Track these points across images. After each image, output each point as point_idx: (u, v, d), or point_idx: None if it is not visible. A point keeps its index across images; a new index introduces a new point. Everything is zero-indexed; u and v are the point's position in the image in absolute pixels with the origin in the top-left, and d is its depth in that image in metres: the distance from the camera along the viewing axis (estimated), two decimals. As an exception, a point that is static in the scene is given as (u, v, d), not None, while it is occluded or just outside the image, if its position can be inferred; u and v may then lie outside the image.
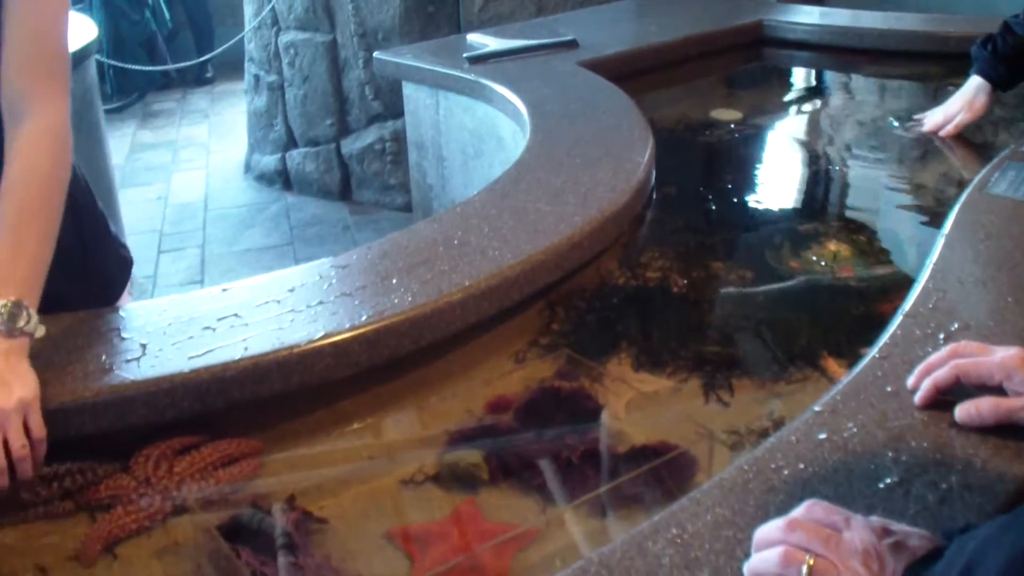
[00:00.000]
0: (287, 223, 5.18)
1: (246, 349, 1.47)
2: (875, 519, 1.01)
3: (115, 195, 4.24)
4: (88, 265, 1.83)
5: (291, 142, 5.52)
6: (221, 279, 4.46)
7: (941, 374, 1.26)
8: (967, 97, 2.56)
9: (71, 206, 1.59)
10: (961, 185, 2.30)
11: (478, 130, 2.90)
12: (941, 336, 1.43)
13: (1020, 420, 1.19)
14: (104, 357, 1.47)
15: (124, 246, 2.02)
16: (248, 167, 5.85)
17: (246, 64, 5.70)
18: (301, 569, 1.24)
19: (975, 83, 2.55)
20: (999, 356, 1.23)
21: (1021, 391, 1.20)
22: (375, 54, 3.24)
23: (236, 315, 1.56)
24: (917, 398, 1.28)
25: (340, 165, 5.35)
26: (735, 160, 2.70)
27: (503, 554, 1.28)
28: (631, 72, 3.08)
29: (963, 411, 1.23)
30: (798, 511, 1.03)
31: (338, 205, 5.33)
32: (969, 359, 1.26)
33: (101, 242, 1.90)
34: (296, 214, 5.27)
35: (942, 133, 2.60)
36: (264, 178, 5.68)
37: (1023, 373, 1.20)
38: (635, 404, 1.59)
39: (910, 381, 1.31)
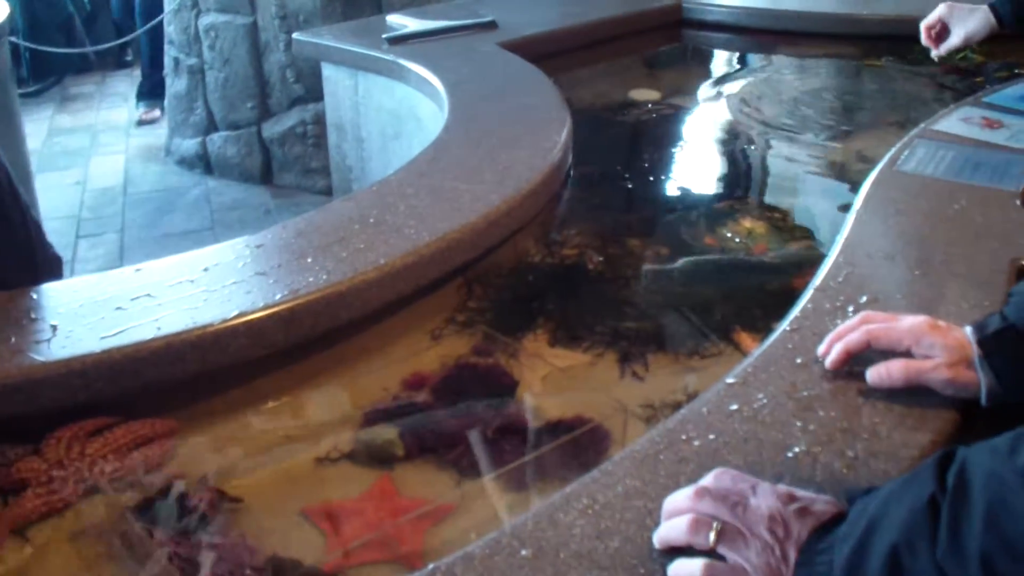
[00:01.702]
0: (208, 207, 5.13)
1: (159, 329, 1.46)
2: (781, 486, 1.03)
3: (31, 180, 4.18)
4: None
5: (212, 126, 5.46)
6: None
7: (853, 338, 1.28)
8: (968, 24, 2.59)
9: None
10: (868, 160, 2.34)
11: (397, 111, 2.89)
12: (850, 309, 1.46)
13: (928, 381, 1.22)
14: (14, 339, 1.44)
15: (51, 245, 1.97)
16: (168, 151, 5.78)
17: (166, 47, 5.63)
18: (216, 548, 1.23)
19: (982, 12, 2.57)
20: (907, 323, 1.26)
21: (929, 355, 1.22)
22: (294, 35, 3.22)
23: (149, 295, 1.55)
24: (828, 361, 1.30)
25: (261, 149, 5.30)
26: (653, 139, 2.72)
27: (418, 528, 1.29)
28: (550, 53, 3.08)
29: (874, 373, 1.26)
30: (706, 479, 1.05)
31: (259, 189, 5.29)
32: (879, 325, 1.28)
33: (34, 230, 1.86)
34: (217, 198, 5.22)
35: (933, 54, 2.68)
36: (185, 162, 5.62)
37: (930, 337, 1.23)
38: (551, 379, 1.59)
39: (821, 348, 1.33)
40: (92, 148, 6.13)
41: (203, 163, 5.54)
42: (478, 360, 1.62)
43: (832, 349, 1.31)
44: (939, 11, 2.63)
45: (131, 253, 4.59)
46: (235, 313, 1.49)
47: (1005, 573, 0.76)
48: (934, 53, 2.66)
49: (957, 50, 2.65)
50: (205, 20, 5.26)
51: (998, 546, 0.77)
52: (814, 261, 1.88)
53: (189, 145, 5.58)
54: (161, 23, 5.66)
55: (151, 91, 6.50)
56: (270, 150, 5.29)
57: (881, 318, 1.30)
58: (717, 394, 1.28)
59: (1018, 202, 1.80)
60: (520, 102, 2.44)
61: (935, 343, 1.23)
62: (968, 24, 2.56)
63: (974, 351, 1.21)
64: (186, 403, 1.51)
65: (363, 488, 1.38)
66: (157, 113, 6.40)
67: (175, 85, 5.60)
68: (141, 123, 6.47)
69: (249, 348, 1.50)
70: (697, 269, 1.91)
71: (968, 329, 1.24)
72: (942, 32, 2.63)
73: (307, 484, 1.40)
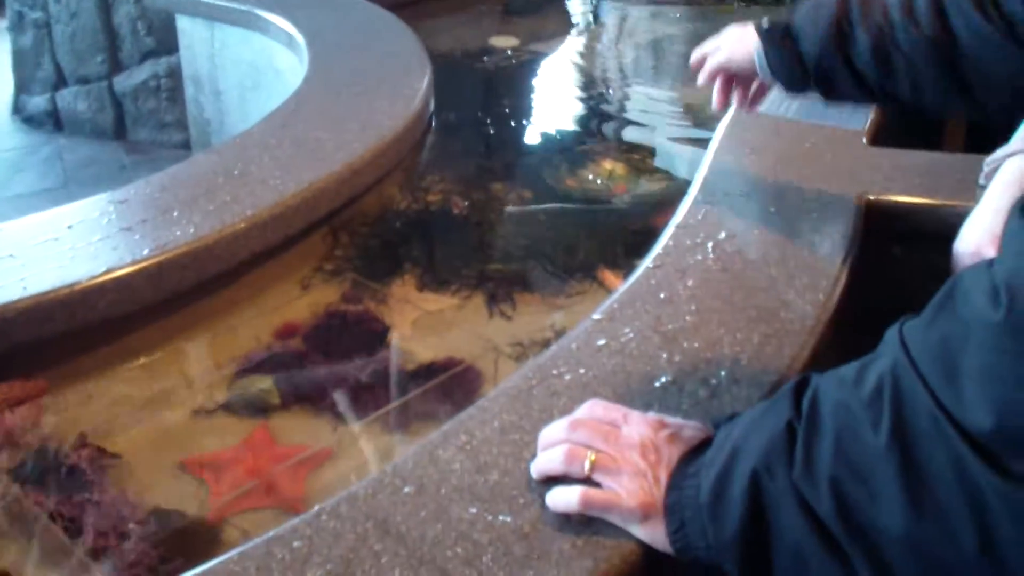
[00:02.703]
0: (60, 165, 5.01)
1: (25, 288, 1.44)
2: (651, 414, 1.06)
3: None
4: None
5: (60, 81, 5.32)
6: (-7, 226, 4.30)
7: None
8: None
9: None
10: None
11: (256, 62, 2.87)
12: (710, 245, 1.50)
13: (721, 66, 1.57)
14: None
15: None
16: (16, 108, 5.62)
17: (7, 0, 5.46)
18: (98, 505, 1.23)
19: None
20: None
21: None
22: (146, -12, 3.17)
23: (12, 255, 1.52)
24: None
25: (113, 104, 5.19)
26: (513, 85, 2.74)
27: (298, 475, 1.30)
28: (409, 0, 3.08)
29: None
30: (579, 411, 1.08)
31: (113, 145, 5.18)
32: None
33: None
34: (69, 156, 5.10)
35: None
36: (33, 120, 5.47)
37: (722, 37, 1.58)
38: (421, 323, 1.62)
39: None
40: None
41: (53, 120, 5.40)
42: (348, 307, 1.64)
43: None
44: None
45: (-19, 215, 4.47)
46: (103, 270, 1.48)
47: (850, 494, 0.81)
48: None
49: None
50: (49, -28, 5.12)
51: (845, 470, 0.81)
52: (673, 200, 1.92)
53: (37, 102, 5.43)
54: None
55: None
56: (123, 105, 5.18)
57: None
58: (585, 330, 1.31)
59: (864, 140, 1.87)
60: (380, 50, 2.44)
61: (723, 38, 1.60)
62: None
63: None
64: (56, 362, 1.49)
65: (241, 438, 1.39)
66: None
67: (20, 40, 5.44)
68: None
69: (118, 304, 1.49)
70: (560, 211, 1.95)
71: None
72: None
73: (184, 437, 1.41)
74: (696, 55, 1.65)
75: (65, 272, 1.48)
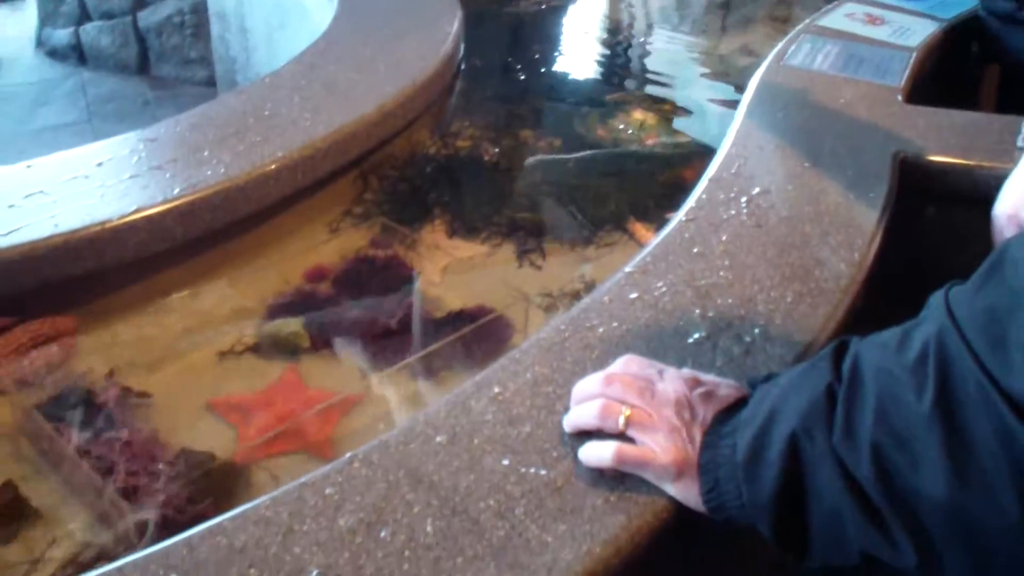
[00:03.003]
0: (84, 99, 5.00)
1: (56, 226, 1.43)
2: (686, 371, 1.06)
3: None
4: None
5: (84, 15, 5.30)
6: (18, 159, 4.29)
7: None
8: None
9: None
10: (755, 55, 2.38)
11: (282, 1, 2.85)
12: (743, 199, 1.49)
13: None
14: (-97, 237, 1.42)
15: None
16: (39, 42, 5.60)
17: (33, -67, 5.45)
18: (127, 445, 1.23)
19: None
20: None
21: None
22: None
23: (43, 192, 1.52)
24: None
25: (137, 39, 5.17)
26: (542, 32, 2.72)
27: (327, 420, 1.30)
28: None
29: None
30: (615, 366, 1.07)
31: (136, 80, 5.16)
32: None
33: None
34: (93, 90, 5.09)
35: None
36: (57, 53, 5.45)
37: None
38: (450, 270, 1.61)
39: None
40: (-44, 39, 5.92)
41: (76, 54, 5.38)
42: (377, 252, 1.63)
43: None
44: None
45: (5, 147, 4.47)
46: (133, 208, 1.47)
47: (891, 459, 0.80)
48: None
49: None
50: (74, -97, 5.09)
51: (886, 436, 0.81)
52: (702, 152, 1.92)
53: (61, 35, 5.41)
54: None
55: None
56: (146, 40, 5.16)
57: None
58: (618, 283, 1.31)
59: (899, 97, 1.85)
60: (410, -7, 2.42)
61: None
62: None
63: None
64: (85, 301, 1.49)
65: (269, 380, 1.39)
66: None
67: (45, -28, 5.42)
68: None
69: (148, 243, 1.49)
70: (590, 160, 1.93)
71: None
72: None
73: (212, 378, 1.41)
74: None
75: (95, 210, 1.47)
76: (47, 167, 1.59)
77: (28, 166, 1.60)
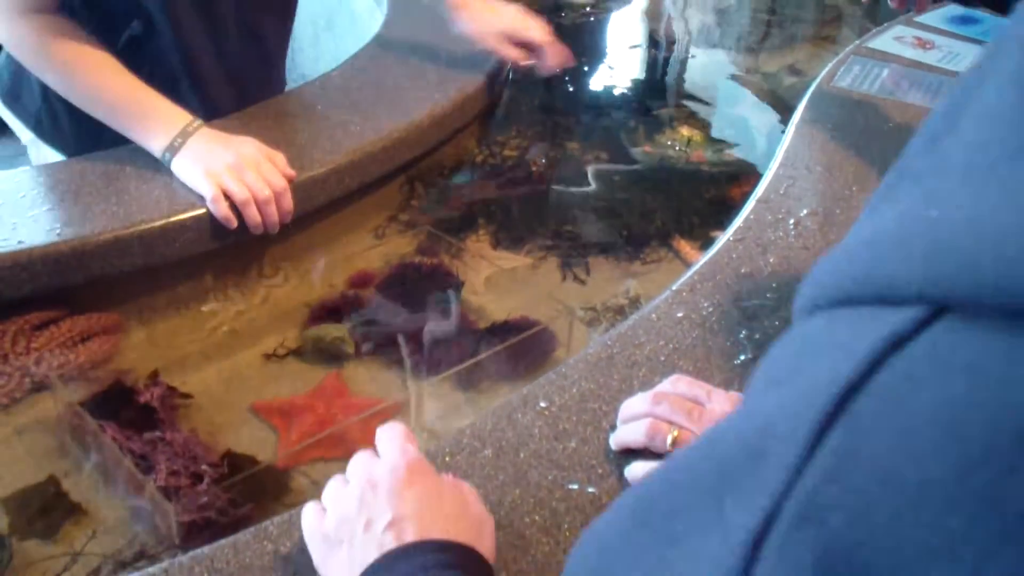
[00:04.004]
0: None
1: (104, 221, 1.44)
2: (734, 392, 1.06)
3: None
4: None
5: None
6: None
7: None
8: None
9: None
10: (800, 74, 2.37)
11: (329, 2, 2.86)
12: (791, 221, 1.49)
13: None
14: (-45, 229, 1.42)
15: None
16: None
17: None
18: (169, 444, 1.23)
19: None
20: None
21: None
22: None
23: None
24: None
25: None
26: (590, 43, 2.71)
27: (369, 427, 1.29)
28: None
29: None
30: (663, 385, 1.07)
31: None
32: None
33: None
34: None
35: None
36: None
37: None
38: (494, 280, 1.61)
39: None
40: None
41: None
42: (422, 259, 1.63)
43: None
44: None
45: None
46: (185, 207, 1.48)
47: None
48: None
49: None
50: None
51: None
52: (748, 171, 1.92)
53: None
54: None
55: None
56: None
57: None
58: (665, 301, 1.30)
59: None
60: (459, 0, 2.42)
61: None
62: None
63: None
64: (131, 298, 1.50)
65: (311, 385, 1.39)
66: None
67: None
68: None
69: (196, 243, 1.49)
70: (636, 174, 1.93)
71: None
72: None
73: (255, 380, 1.41)
74: None
75: (144, 207, 1.48)
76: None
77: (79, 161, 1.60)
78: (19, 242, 1.39)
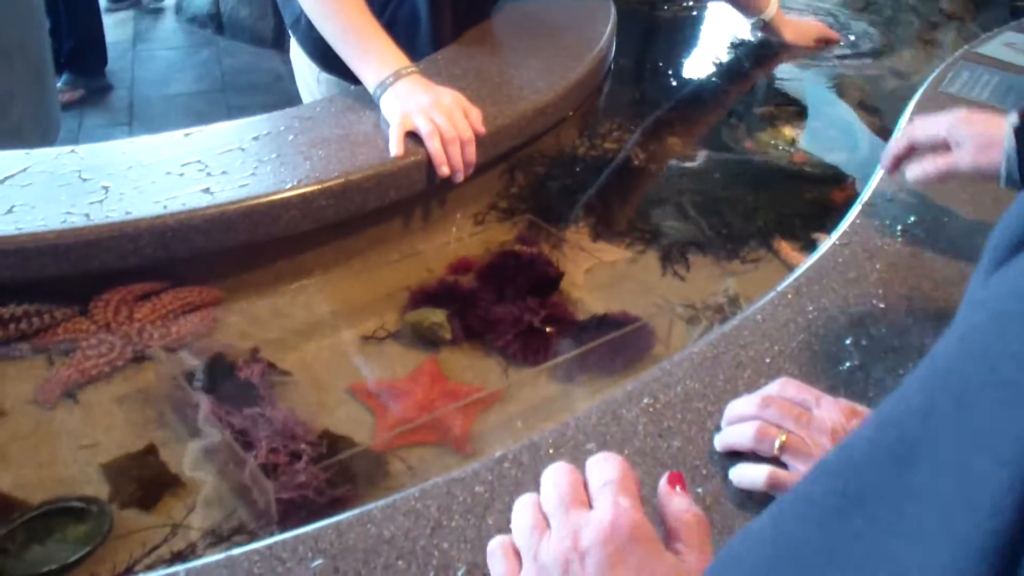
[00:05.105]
0: (219, 69, 5.07)
1: (213, 197, 1.45)
2: (843, 400, 1.04)
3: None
4: None
5: (225, -16, 5.39)
6: (151, 123, 4.37)
7: (897, 141, 1.41)
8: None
9: None
10: (904, 78, 2.33)
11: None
12: (899, 228, 1.47)
13: (958, 171, 1.33)
14: (64, 198, 1.44)
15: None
16: (179, 8, 5.70)
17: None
18: (269, 421, 1.24)
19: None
20: (944, 117, 1.37)
21: (960, 144, 1.33)
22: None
23: (200, 161, 1.54)
24: (885, 163, 1.44)
25: (275, 12, 5.21)
26: (692, 36, 2.69)
27: (467, 415, 1.30)
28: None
29: (912, 170, 1.38)
30: (771, 388, 1.06)
31: (270, 53, 5.21)
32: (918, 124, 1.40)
33: None
34: (228, 60, 5.16)
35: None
36: (196, 21, 5.55)
37: (963, 129, 1.33)
38: (594, 273, 1.60)
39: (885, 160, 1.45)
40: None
41: (215, 23, 5.46)
42: (522, 248, 1.62)
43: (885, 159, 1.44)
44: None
45: (140, 111, 4.55)
46: (289, 184, 1.48)
47: None
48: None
49: None
50: None
51: None
52: (851, 175, 1.89)
53: (201, 4, 5.50)
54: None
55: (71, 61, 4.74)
56: (284, 15, 5.21)
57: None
58: (771, 302, 1.29)
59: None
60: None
61: (965, 134, 1.31)
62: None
63: (1007, 137, 1.28)
64: (232, 273, 1.51)
65: (408, 369, 1.39)
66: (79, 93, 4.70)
67: (191, -58, 5.51)
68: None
69: (299, 221, 1.50)
70: (738, 172, 1.91)
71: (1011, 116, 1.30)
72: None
73: (352, 361, 1.42)
74: (901, 144, 1.41)
75: (250, 183, 1.49)
76: (205, 137, 1.62)
77: (186, 134, 1.62)
78: (127, 212, 1.40)
